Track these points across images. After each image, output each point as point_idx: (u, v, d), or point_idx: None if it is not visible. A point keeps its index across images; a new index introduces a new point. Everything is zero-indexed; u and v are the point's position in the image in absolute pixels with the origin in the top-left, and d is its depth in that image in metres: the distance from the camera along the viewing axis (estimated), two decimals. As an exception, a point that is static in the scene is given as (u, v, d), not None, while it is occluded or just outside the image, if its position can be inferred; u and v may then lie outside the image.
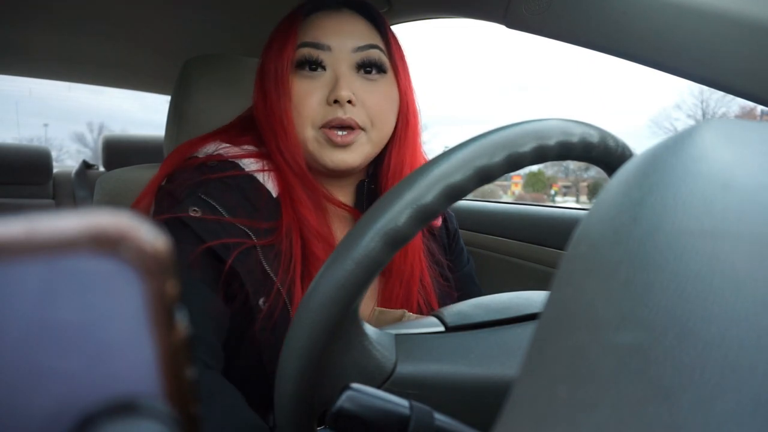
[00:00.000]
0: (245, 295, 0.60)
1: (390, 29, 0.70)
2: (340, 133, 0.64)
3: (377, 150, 0.68)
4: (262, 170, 0.67)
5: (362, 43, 0.65)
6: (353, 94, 0.63)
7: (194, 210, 0.60)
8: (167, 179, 0.66)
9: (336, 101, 0.63)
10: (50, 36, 1.44)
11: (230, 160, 0.67)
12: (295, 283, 0.62)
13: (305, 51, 0.64)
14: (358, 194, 0.73)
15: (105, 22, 1.33)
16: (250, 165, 0.67)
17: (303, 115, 0.64)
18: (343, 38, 0.65)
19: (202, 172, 0.64)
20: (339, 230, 0.72)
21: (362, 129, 0.65)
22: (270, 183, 0.67)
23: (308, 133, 0.65)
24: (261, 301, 0.60)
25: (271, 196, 0.66)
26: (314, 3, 0.68)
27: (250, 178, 0.66)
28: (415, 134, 0.71)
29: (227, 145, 0.69)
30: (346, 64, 0.65)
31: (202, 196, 0.61)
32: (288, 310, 0.61)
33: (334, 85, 0.63)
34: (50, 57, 1.64)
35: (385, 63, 0.67)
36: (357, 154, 0.65)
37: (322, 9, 0.68)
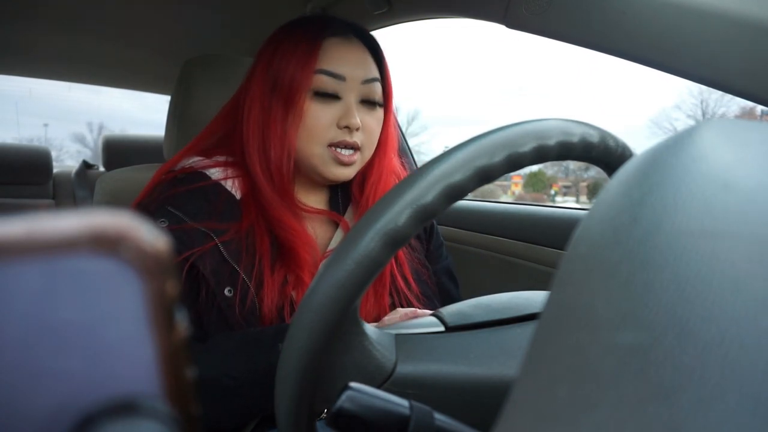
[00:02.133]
0: (209, 287, 0.67)
1: (386, 60, 0.78)
2: (345, 152, 0.72)
3: (363, 165, 0.78)
4: (226, 178, 0.74)
5: (369, 76, 0.74)
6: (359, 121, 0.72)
7: (162, 221, 0.68)
8: (147, 196, 0.74)
9: (346, 126, 0.71)
10: (50, 36, 1.44)
11: (199, 171, 0.74)
12: (263, 273, 0.69)
13: (325, 79, 0.71)
14: (332, 195, 0.82)
15: (105, 22, 1.33)
16: (215, 173, 0.75)
17: (314, 134, 0.71)
18: (355, 69, 0.72)
19: (173, 185, 0.72)
20: (316, 228, 0.78)
21: (359, 149, 0.74)
22: (233, 188, 0.74)
23: (316, 150, 0.72)
24: (227, 290, 0.67)
25: (234, 198, 0.73)
26: (332, 29, 0.74)
27: (214, 184, 0.73)
28: (394, 146, 0.83)
29: (199, 158, 0.76)
30: (355, 95, 0.73)
31: (169, 208, 0.69)
32: (255, 298, 0.68)
33: (345, 112, 0.71)
34: (50, 57, 1.64)
35: (381, 97, 0.76)
36: (353, 169, 0.75)
37: (336, 35, 0.74)
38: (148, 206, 0.70)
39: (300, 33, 0.73)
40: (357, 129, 0.71)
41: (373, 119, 0.75)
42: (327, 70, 0.71)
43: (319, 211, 0.78)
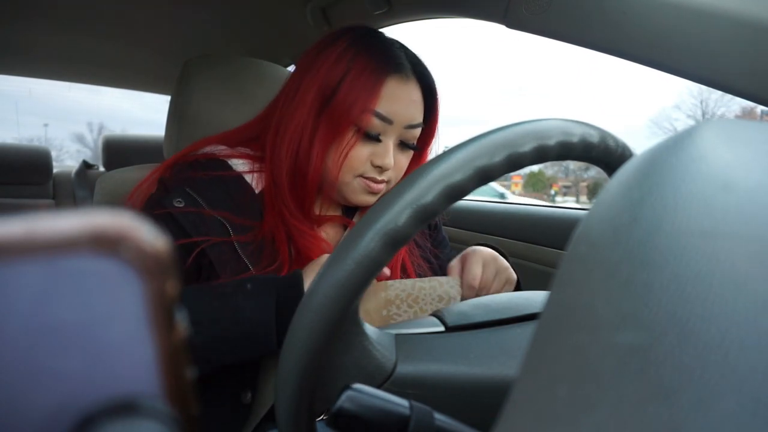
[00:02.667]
0: (217, 278, 0.66)
1: (438, 101, 0.77)
2: (374, 184, 0.73)
3: None
4: (249, 171, 0.74)
5: (414, 122, 0.73)
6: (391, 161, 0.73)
7: (178, 201, 0.68)
8: (167, 173, 0.74)
9: (379, 166, 0.72)
10: (50, 36, 1.44)
11: (221, 159, 0.74)
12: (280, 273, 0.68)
13: (375, 122, 0.70)
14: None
15: (105, 22, 1.33)
16: (239, 165, 0.75)
17: (349, 167, 0.72)
18: (404, 114, 0.72)
19: (193, 169, 0.72)
20: (328, 231, 0.80)
21: (387, 182, 0.75)
22: (254, 182, 0.74)
23: (347, 179, 0.72)
24: None
25: (254, 194, 0.73)
26: (394, 63, 0.71)
27: (237, 176, 0.73)
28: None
29: (223, 147, 0.77)
30: (395, 137, 0.73)
31: (188, 190, 0.69)
32: None
33: (383, 153, 0.72)
34: (50, 57, 1.64)
35: (416, 139, 0.76)
36: (378, 197, 0.75)
37: (398, 72, 0.71)
38: (166, 183, 0.71)
39: (364, 60, 0.69)
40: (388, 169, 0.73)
41: (405, 158, 0.76)
42: (380, 113, 0.70)
43: (330, 218, 0.79)
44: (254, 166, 0.75)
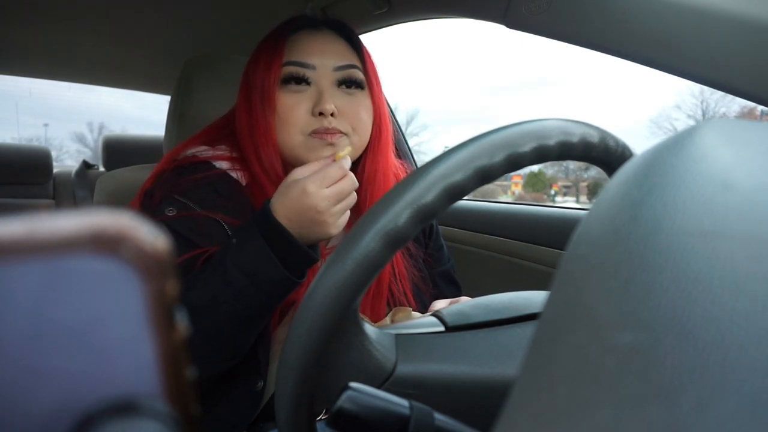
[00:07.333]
0: None
1: (365, 49, 0.77)
2: (327, 135, 0.70)
3: (357, 154, 0.75)
4: (233, 169, 0.74)
5: (342, 63, 0.72)
6: (335, 107, 0.70)
7: (170, 210, 0.67)
8: (152, 183, 0.74)
9: (321, 113, 0.69)
10: (50, 36, 1.44)
11: (204, 160, 0.74)
12: None
13: (291, 69, 0.71)
14: None
15: (105, 22, 1.33)
16: (222, 165, 0.75)
17: (290, 125, 0.70)
18: (326, 58, 0.72)
19: (178, 174, 0.72)
20: None
21: (344, 134, 0.71)
22: (239, 176, 0.74)
23: (297, 139, 0.71)
24: None
25: (243, 186, 0.73)
26: (297, 23, 0.75)
27: (222, 175, 0.73)
28: (388, 142, 0.79)
29: (204, 147, 0.77)
30: (328, 81, 0.72)
31: (176, 197, 0.69)
32: None
33: (319, 99, 0.70)
34: (50, 57, 1.64)
35: (362, 80, 0.74)
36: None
37: (304, 28, 0.75)
38: (153, 194, 0.71)
39: (270, 33, 0.75)
40: (332, 114, 0.69)
41: (355, 103, 0.72)
42: (294, 60, 0.71)
43: None
44: (234, 165, 0.75)
